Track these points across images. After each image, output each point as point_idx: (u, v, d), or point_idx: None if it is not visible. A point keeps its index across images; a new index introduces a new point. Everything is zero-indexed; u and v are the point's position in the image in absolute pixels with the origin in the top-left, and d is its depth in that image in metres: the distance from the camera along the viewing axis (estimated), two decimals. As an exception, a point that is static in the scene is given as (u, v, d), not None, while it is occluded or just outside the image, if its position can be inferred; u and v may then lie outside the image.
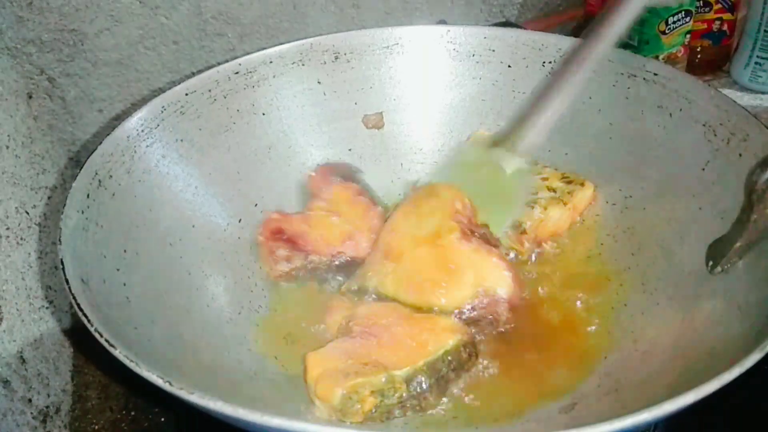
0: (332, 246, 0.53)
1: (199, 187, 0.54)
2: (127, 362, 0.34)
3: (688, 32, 0.74)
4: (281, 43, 0.60)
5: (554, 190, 0.56)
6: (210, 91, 0.57)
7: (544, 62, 0.59)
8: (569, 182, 0.57)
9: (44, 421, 0.50)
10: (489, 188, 0.55)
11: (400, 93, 0.63)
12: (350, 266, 0.53)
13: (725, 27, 0.79)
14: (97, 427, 0.54)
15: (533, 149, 0.54)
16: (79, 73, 0.69)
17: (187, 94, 0.55)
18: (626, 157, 0.56)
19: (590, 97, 0.57)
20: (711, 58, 0.81)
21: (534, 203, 0.55)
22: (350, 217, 0.55)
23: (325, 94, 0.61)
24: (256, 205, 0.57)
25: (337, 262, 0.53)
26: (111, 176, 0.48)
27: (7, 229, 0.53)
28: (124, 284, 0.44)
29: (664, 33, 0.73)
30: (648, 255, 0.51)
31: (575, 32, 0.89)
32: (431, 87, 0.63)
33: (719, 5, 0.77)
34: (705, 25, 0.78)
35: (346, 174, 0.59)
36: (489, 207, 0.54)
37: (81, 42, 0.67)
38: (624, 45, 0.75)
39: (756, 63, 0.76)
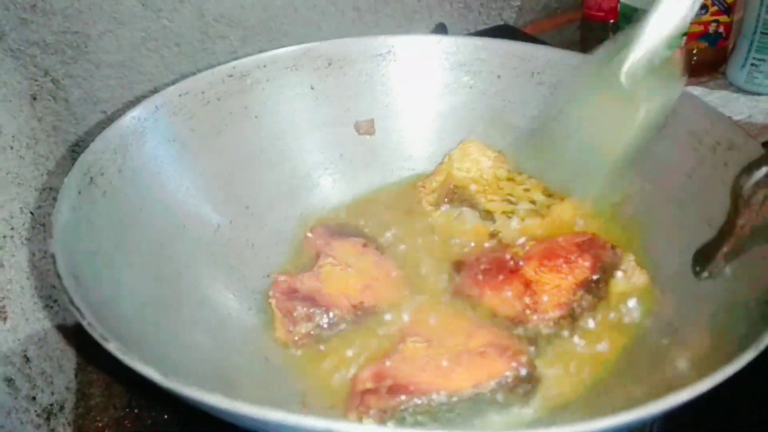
0: (352, 297, 0.51)
1: (191, 188, 0.54)
2: (120, 356, 0.34)
3: (685, 34, 0.75)
4: (282, 46, 0.60)
5: (534, 202, 0.57)
6: (203, 92, 0.56)
7: (533, 72, 0.60)
8: (549, 195, 0.57)
9: (48, 419, 0.51)
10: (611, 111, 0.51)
11: (392, 100, 0.63)
12: (371, 315, 0.51)
13: (721, 29, 0.79)
14: (100, 424, 0.54)
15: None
16: (83, 74, 0.69)
17: (180, 96, 0.55)
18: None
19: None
20: (707, 60, 0.81)
21: (512, 213, 0.56)
22: (362, 268, 0.53)
23: (317, 99, 0.61)
24: (247, 207, 0.57)
25: (360, 312, 0.51)
26: (102, 174, 0.48)
27: (12, 229, 0.53)
28: (116, 282, 0.44)
29: (660, 36, 0.73)
30: (635, 261, 0.51)
31: (576, 35, 0.89)
32: (422, 95, 0.63)
33: (715, 7, 0.77)
34: (701, 27, 0.78)
35: (344, 231, 0.57)
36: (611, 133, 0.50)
37: (84, 44, 0.67)
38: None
39: (752, 65, 0.76)
